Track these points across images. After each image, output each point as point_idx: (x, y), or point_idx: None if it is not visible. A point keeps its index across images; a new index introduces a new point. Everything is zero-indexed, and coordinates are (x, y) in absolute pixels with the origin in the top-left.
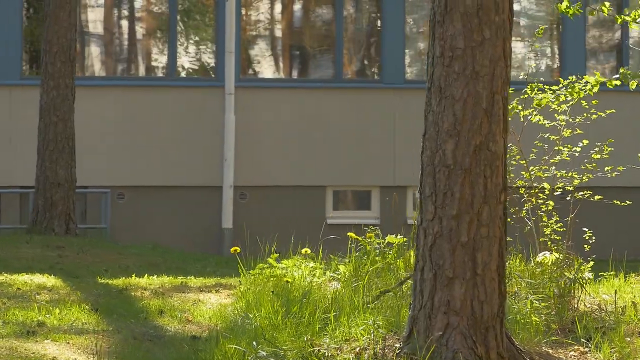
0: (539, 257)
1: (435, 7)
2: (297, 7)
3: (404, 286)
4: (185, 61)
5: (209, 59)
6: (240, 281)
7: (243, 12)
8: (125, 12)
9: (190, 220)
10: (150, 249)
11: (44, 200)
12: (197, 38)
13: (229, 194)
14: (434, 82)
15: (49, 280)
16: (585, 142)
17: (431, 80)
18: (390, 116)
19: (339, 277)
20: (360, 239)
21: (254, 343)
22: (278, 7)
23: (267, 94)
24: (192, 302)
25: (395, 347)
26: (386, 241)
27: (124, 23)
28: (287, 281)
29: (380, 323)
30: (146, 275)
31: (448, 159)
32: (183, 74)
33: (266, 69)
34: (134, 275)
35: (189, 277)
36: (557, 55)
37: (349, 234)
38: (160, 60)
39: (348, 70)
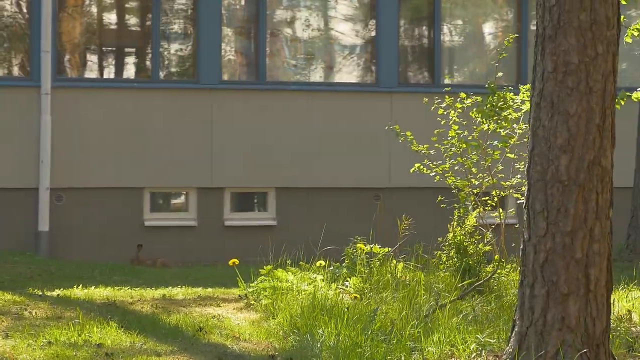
0: None
1: (545, 22)
2: (114, 6)
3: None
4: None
5: (24, 58)
6: (246, 294)
7: (58, 10)
8: None
9: (5, 222)
10: (29, 256)
11: None
12: (11, 36)
13: (45, 196)
14: (545, 97)
15: None
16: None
17: (541, 95)
18: (207, 117)
19: (348, 289)
20: (354, 249)
21: None
22: (94, 6)
23: (83, 94)
24: (212, 317)
25: None
26: (363, 251)
27: None
28: (354, 296)
29: (492, 341)
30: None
31: (562, 174)
32: None
33: (83, 68)
34: (70, 287)
35: (166, 289)
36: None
37: (359, 245)
38: None
39: (165, 71)
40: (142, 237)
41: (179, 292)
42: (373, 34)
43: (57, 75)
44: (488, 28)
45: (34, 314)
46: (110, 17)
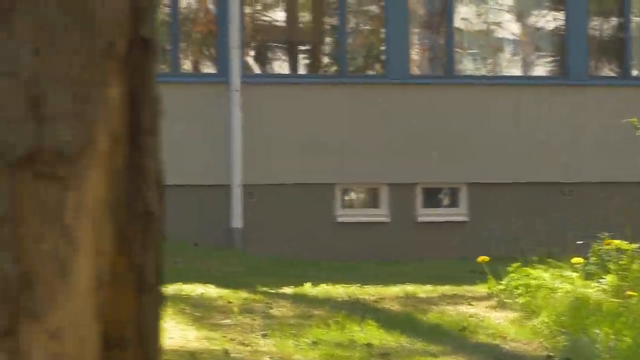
0: None
1: None
2: (300, 2)
3: None
4: (188, 57)
5: (213, 55)
6: (495, 292)
7: (246, 6)
8: None
9: (199, 219)
10: (240, 254)
11: None
12: (200, 33)
13: (237, 193)
14: None
15: (222, 291)
16: None
17: None
18: (397, 112)
19: (605, 287)
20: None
21: None
22: (281, 2)
23: (273, 90)
24: (469, 316)
25: None
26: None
27: None
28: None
29: None
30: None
31: None
32: (185, 70)
33: (272, 64)
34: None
35: (396, 287)
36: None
37: (613, 242)
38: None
39: (353, 66)
40: (334, 234)
41: (415, 289)
42: (561, 24)
43: (246, 72)
44: None
45: (281, 312)
46: (297, 13)
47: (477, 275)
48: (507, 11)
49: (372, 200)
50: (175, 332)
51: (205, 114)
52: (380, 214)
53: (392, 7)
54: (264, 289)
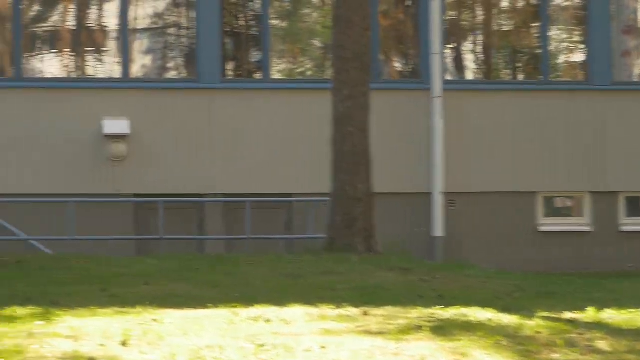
0: None
1: None
2: (503, 6)
3: None
4: (390, 64)
5: (413, 61)
6: None
7: (446, 11)
8: None
9: (398, 228)
10: (486, 270)
11: (342, 216)
12: (400, 39)
13: (439, 201)
14: None
15: (510, 317)
16: None
17: None
18: (599, 118)
19: None
20: None
21: None
22: (481, 7)
23: (474, 96)
24: None
25: None
26: None
27: None
28: None
29: None
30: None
31: None
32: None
33: (472, 70)
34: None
35: None
36: None
37: None
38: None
39: (553, 73)
40: (537, 243)
41: None
42: None
43: (447, 78)
44: None
45: (606, 346)
46: (499, 18)
47: None
48: None
49: (576, 209)
50: None
51: (406, 121)
52: (583, 223)
53: (596, 14)
54: (546, 313)
